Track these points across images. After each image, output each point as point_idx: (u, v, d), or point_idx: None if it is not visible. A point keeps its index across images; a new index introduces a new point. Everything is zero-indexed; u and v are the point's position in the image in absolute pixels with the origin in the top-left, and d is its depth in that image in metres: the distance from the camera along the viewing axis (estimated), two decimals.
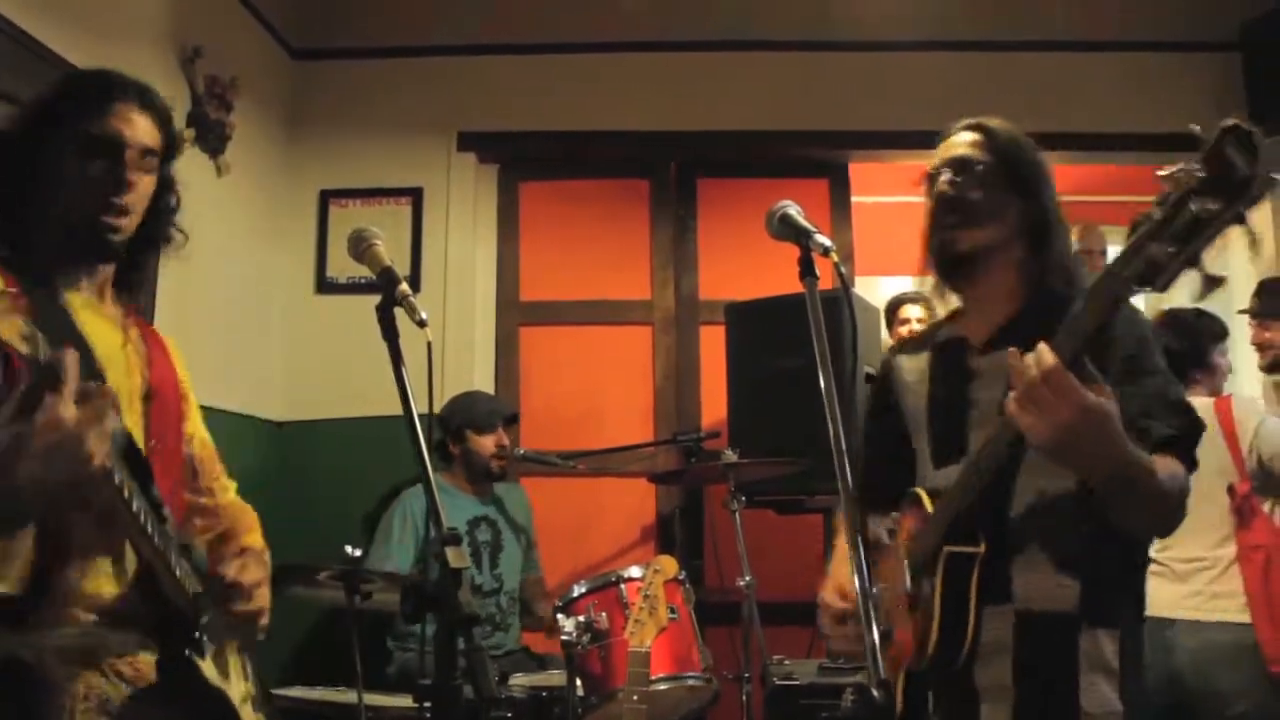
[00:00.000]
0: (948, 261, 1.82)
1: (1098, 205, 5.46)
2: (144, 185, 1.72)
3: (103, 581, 1.59)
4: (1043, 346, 1.34)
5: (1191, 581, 3.09)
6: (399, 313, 1.58)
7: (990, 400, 1.74)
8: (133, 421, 1.69)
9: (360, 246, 1.69)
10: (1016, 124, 4.52)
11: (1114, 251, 1.30)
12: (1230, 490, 3.05)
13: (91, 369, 1.59)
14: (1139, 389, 1.60)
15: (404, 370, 1.56)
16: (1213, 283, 1.21)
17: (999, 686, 1.64)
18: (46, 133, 1.68)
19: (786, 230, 1.61)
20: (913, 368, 1.94)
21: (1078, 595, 1.63)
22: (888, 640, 1.76)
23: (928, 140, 5.05)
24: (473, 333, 4.47)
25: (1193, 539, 3.11)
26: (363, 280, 4.12)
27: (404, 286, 1.58)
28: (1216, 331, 3.41)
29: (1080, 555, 1.64)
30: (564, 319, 4.67)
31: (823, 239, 1.55)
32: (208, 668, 1.66)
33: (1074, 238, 4.55)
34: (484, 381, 4.43)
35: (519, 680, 3.12)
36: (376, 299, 1.62)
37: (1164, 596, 3.13)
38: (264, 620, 1.86)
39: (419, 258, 4.40)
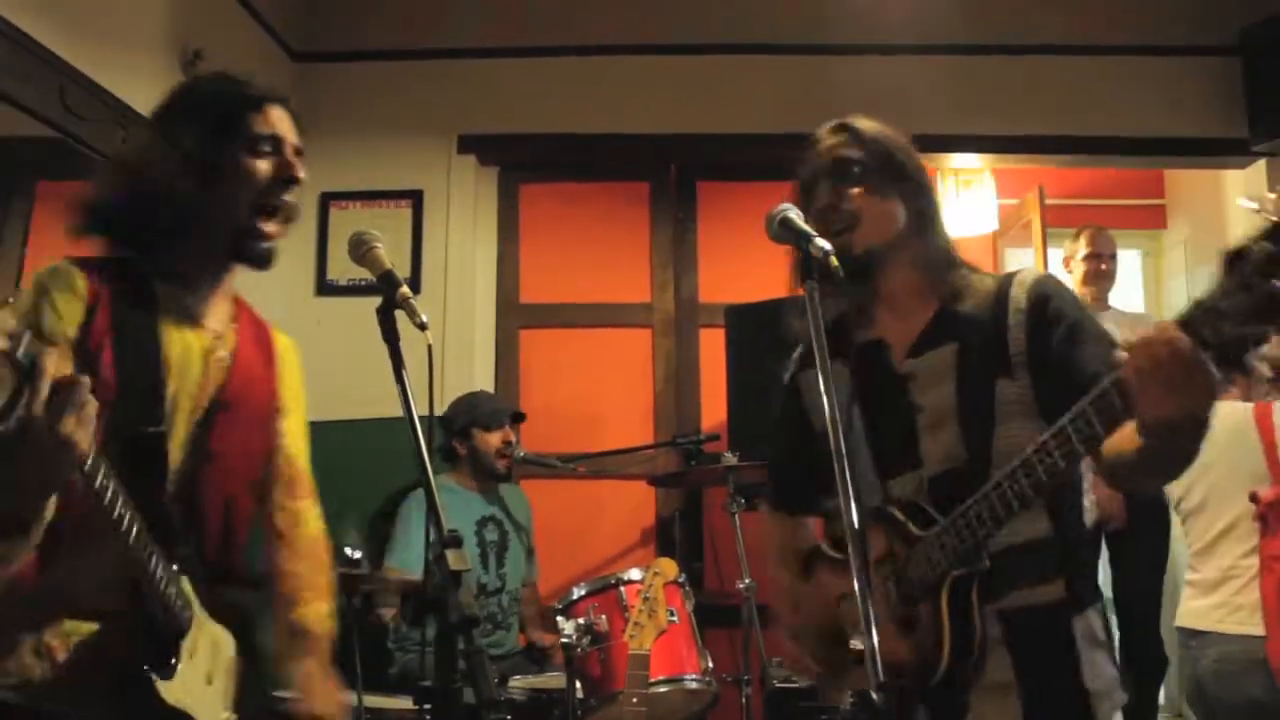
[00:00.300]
0: (848, 265, 1.69)
1: (1099, 209, 5.47)
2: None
3: (88, 580, 1.58)
4: (1173, 328, 1.26)
5: (1219, 592, 3.08)
6: (399, 315, 1.58)
7: (936, 404, 1.71)
8: (184, 426, 1.72)
9: (360, 249, 1.68)
10: (1017, 127, 4.53)
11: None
12: (1253, 498, 3.03)
13: (154, 370, 1.66)
14: (1097, 350, 1.63)
15: (405, 373, 1.55)
16: None
17: (999, 684, 1.63)
18: (210, 137, 1.74)
19: (786, 233, 1.60)
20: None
21: (1064, 583, 1.66)
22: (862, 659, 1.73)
23: (929, 144, 5.05)
24: (473, 335, 4.47)
25: (1228, 549, 3.10)
26: (363, 282, 4.11)
27: (404, 289, 1.57)
28: (1256, 336, 3.38)
29: (1056, 543, 1.67)
30: (564, 321, 4.68)
31: (823, 242, 1.54)
32: (170, 689, 1.60)
33: (1083, 242, 4.57)
34: (484, 384, 4.43)
35: (518, 682, 3.12)
36: (377, 301, 1.62)
37: (1195, 608, 3.14)
38: None
39: (419, 260, 4.41)
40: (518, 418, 4.02)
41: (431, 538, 1.44)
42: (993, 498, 1.52)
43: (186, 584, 1.67)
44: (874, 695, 1.23)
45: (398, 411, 1.53)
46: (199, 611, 1.69)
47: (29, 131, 2.90)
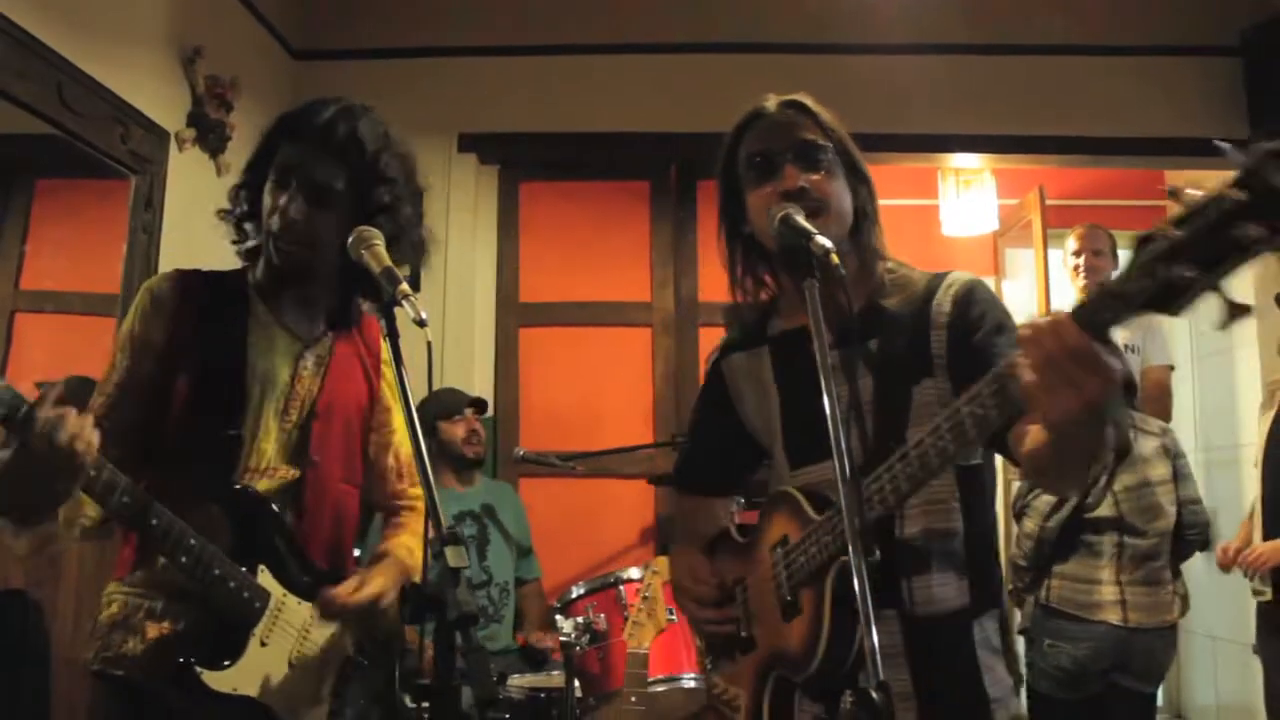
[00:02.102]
0: (792, 252, 1.59)
1: (1099, 209, 5.46)
2: (317, 219, 1.82)
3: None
4: (1063, 320, 1.22)
5: None
6: (399, 313, 1.57)
7: (851, 398, 1.65)
8: (285, 429, 1.85)
9: (361, 246, 1.68)
10: (1018, 127, 4.50)
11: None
12: None
13: (236, 376, 1.80)
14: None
15: (404, 371, 1.55)
16: (1238, 311, 1.13)
17: (896, 695, 1.58)
18: (264, 168, 1.89)
19: (787, 232, 1.59)
20: (750, 366, 1.84)
21: (967, 591, 1.62)
22: (750, 645, 1.71)
23: (928, 143, 5.02)
24: (472, 333, 4.47)
25: None
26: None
27: (404, 286, 1.56)
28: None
29: (962, 551, 1.63)
30: (563, 320, 4.67)
31: (823, 240, 1.52)
32: (220, 678, 1.69)
33: (1072, 239, 4.57)
34: (483, 382, 4.43)
35: (517, 681, 3.12)
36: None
37: None
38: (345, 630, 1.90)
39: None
40: (480, 405, 4.00)
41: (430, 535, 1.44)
42: (883, 481, 1.48)
43: (266, 574, 1.77)
44: (873, 694, 1.22)
45: None
46: (281, 599, 1.78)
47: (28, 128, 2.90)
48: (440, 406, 3.83)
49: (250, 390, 1.81)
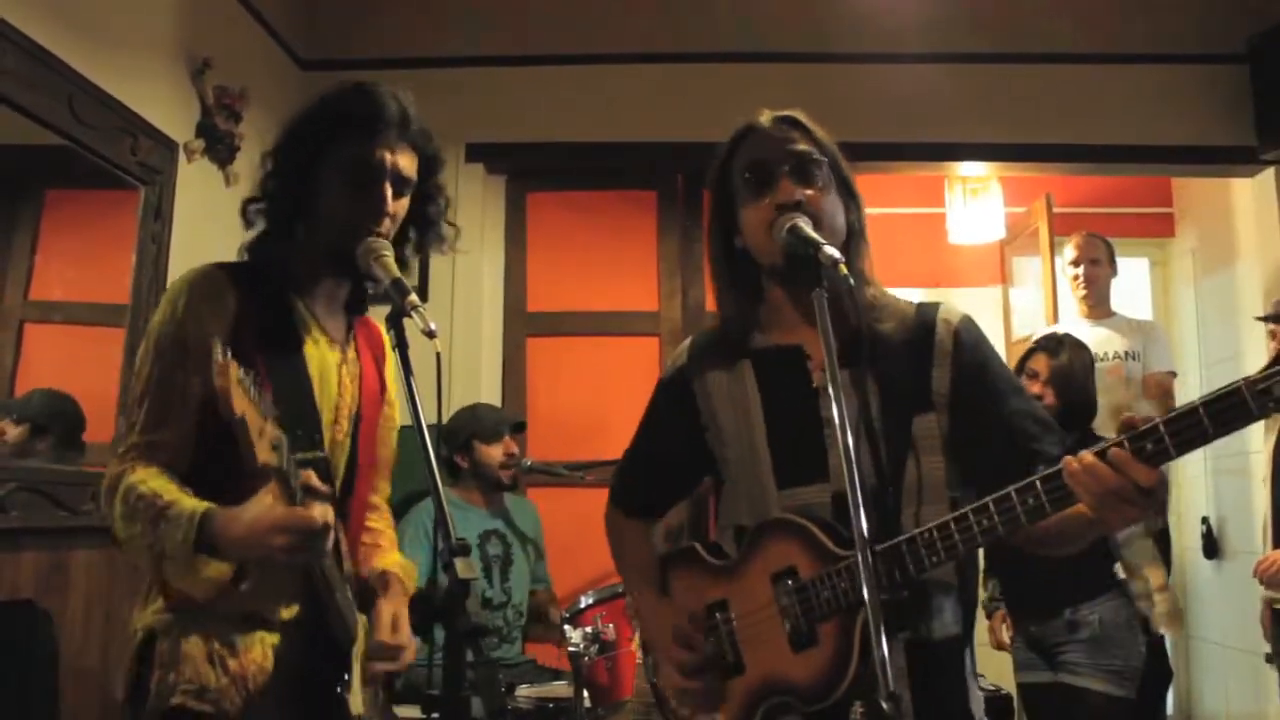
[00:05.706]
0: (797, 263, 1.60)
1: (1106, 217, 5.46)
2: (398, 211, 1.78)
3: (268, 591, 1.65)
4: (1128, 461, 1.35)
5: None
6: (408, 323, 1.57)
7: (851, 423, 1.58)
8: (338, 440, 1.77)
9: (370, 257, 1.68)
10: (1025, 135, 4.49)
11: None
12: None
13: (305, 388, 1.70)
14: (1027, 407, 1.68)
15: (413, 380, 1.55)
16: None
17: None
18: (317, 155, 1.77)
19: (794, 241, 1.59)
20: (729, 384, 1.77)
21: (961, 619, 1.66)
22: (738, 671, 1.68)
23: (937, 151, 5.02)
24: (480, 343, 4.47)
25: None
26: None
27: (413, 297, 1.56)
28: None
29: (958, 582, 1.66)
30: (571, 329, 4.67)
31: (832, 250, 1.52)
32: (355, 701, 1.68)
33: (1069, 249, 4.57)
34: (491, 392, 4.43)
35: (525, 691, 3.11)
36: (385, 310, 1.62)
37: None
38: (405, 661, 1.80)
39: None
40: (519, 427, 4.00)
41: (440, 546, 1.44)
42: (936, 538, 1.49)
43: (351, 597, 1.73)
44: (884, 704, 1.21)
45: (403, 420, 1.52)
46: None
47: (38, 140, 2.91)
48: (480, 426, 3.77)
49: (318, 400, 1.74)
